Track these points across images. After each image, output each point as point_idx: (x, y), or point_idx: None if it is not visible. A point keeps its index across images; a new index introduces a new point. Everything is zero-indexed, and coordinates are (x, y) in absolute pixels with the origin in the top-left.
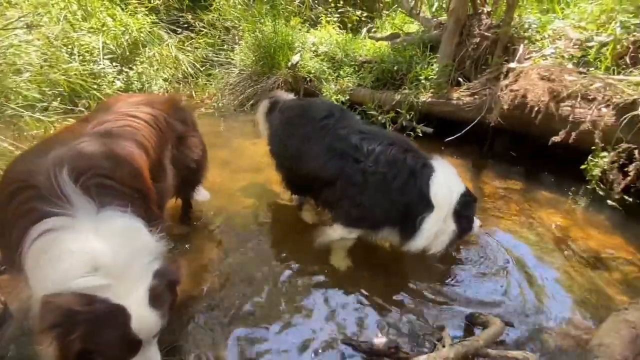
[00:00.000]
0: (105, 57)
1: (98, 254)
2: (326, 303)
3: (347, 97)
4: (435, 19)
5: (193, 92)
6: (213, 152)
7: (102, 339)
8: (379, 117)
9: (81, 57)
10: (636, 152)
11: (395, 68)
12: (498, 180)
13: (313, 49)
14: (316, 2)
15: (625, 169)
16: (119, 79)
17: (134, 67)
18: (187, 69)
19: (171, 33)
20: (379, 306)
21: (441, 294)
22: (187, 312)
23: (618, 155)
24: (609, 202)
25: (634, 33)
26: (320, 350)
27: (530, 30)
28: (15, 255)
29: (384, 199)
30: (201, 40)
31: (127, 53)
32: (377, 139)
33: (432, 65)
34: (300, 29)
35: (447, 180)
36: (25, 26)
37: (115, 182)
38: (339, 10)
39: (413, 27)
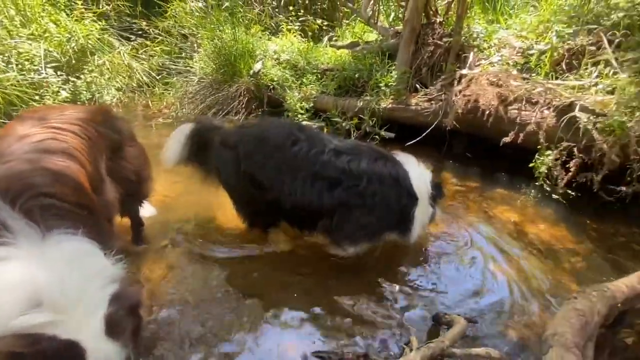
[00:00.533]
0: (48, 65)
1: (41, 285)
2: (293, 316)
3: (311, 105)
4: (392, 28)
5: (149, 102)
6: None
7: None
8: (343, 124)
9: (20, 66)
10: (575, 149)
11: (356, 75)
12: (457, 180)
13: (275, 57)
14: (277, 10)
15: (567, 166)
16: (64, 89)
17: (82, 76)
18: (142, 77)
19: (123, 40)
20: (348, 313)
21: (407, 295)
22: (143, 341)
23: (560, 153)
24: (555, 196)
25: (568, 41)
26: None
27: (478, 39)
28: None
29: (386, 212)
30: (157, 48)
31: (74, 61)
32: (360, 155)
33: (391, 72)
34: (261, 37)
35: (418, 172)
36: None
37: (57, 201)
38: (300, 19)
39: (372, 35)
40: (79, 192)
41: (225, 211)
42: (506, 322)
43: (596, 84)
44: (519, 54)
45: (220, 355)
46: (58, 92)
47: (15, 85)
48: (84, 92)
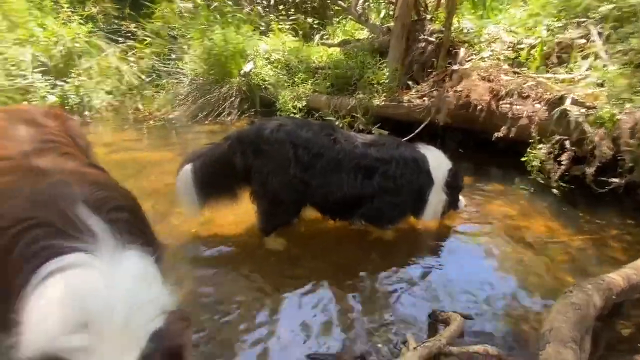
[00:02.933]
0: (35, 70)
1: (93, 305)
2: (288, 317)
3: (304, 104)
4: (383, 26)
5: (140, 105)
6: (163, 167)
7: None
8: (337, 122)
9: (6, 71)
10: (567, 142)
11: (348, 73)
12: None
13: (266, 56)
14: (267, 9)
15: (559, 159)
16: (52, 94)
17: (70, 80)
18: (132, 80)
19: (111, 42)
20: (344, 313)
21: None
22: None
23: (552, 147)
24: (548, 189)
25: (557, 35)
26: None
27: (468, 34)
28: (11, 311)
29: (411, 192)
30: (146, 50)
31: (61, 65)
32: (385, 145)
33: (382, 70)
34: (251, 36)
35: (436, 158)
36: None
37: (130, 215)
38: (291, 18)
39: (363, 33)
40: (139, 207)
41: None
42: (504, 317)
43: (586, 77)
44: (510, 49)
45: (214, 354)
46: (45, 96)
47: (2, 91)
48: (72, 97)
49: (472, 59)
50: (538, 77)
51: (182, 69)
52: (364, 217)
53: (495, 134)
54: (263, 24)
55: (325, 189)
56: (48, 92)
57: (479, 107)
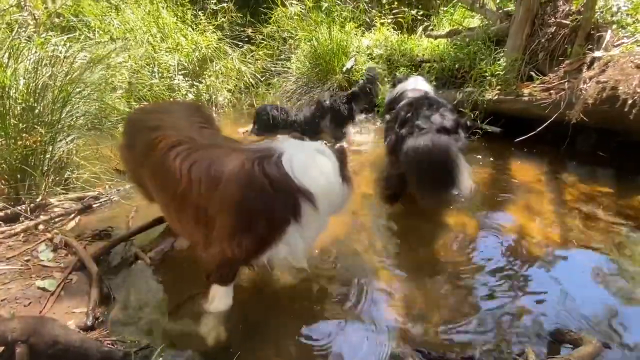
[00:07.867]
0: (179, 72)
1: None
2: (393, 310)
3: None
4: (500, 11)
5: (254, 101)
6: None
7: None
8: None
9: (160, 74)
10: None
11: (456, 66)
12: (582, 185)
13: (368, 52)
14: (370, 5)
15: None
16: (190, 92)
17: (203, 81)
18: (249, 79)
19: (234, 47)
20: (451, 314)
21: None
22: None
23: None
24: None
25: None
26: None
27: (619, 13)
28: None
29: None
30: (260, 52)
31: (197, 68)
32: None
33: (498, 60)
34: (355, 33)
35: None
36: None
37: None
38: (394, 11)
39: (475, 21)
40: None
41: None
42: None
43: None
44: None
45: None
46: (186, 94)
47: (157, 90)
48: (204, 94)
49: (622, 43)
50: None
51: (289, 69)
52: None
53: None
54: (367, 19)
55: None
56: (188, 90)
57: (629, 102)
